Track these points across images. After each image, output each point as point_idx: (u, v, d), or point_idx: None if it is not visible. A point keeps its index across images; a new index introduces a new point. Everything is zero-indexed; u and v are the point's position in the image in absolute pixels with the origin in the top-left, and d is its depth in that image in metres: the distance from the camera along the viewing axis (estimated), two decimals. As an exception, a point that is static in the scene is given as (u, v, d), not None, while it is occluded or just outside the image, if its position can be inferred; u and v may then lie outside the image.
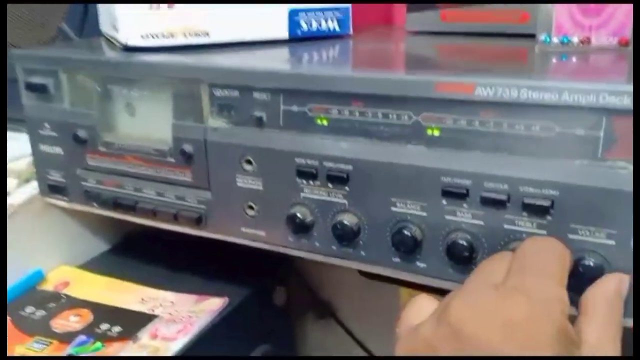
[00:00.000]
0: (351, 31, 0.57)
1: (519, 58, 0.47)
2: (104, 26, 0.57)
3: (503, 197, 0.35)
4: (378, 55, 0.52)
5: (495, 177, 0.35)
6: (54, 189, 0.55)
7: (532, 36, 0.46)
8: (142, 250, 0.67)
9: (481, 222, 0.36)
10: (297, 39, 0.54)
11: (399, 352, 0.29)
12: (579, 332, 0.29)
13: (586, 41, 0.43)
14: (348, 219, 0.41)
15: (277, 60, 0.49)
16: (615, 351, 0.29)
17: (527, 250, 0.32)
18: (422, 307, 0.32)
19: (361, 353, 0.79)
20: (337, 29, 0.56)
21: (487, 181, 0.35)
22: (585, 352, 0.28)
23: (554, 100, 0.33)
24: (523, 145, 0.35)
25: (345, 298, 0.79)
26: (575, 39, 0.43)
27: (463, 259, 0.37)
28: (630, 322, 0.33)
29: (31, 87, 0.52)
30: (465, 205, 0.37)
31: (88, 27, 0.68)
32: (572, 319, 0.30)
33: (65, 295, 0.58)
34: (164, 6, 0.49)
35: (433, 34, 0.56)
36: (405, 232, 0.39)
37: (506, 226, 0.36)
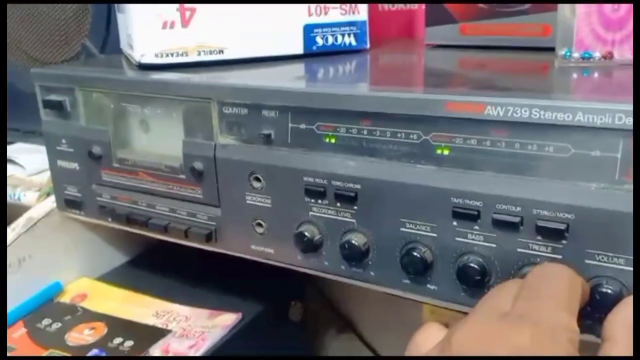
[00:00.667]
0: (368, 45, 0.56)
1: (538, 73, 0.45)
2: (123, 44, 0.58)
3: (516, 219, 0.34)
4: (393, 70, 0.51)
5: (508, 198, 0.34)
6: (70, 204, 0.55)
7: (553, 50, 0.44)
8: (159, 263, 0.67)
9: (493, 245, 0.35)
10: (313, 54, 0.54)
11: None
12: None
13: (608, 56, 0.41)
14: (356, 239, 0.40)
15: (288, 78, 0.49)
16: None
17: (536, 277, 0.30)
18: (430, 334, 0.32)
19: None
20: (354, 43, 0.55)
21: (499, 203, 0.34)
22: None
23: (568, 120, 0.31)
24: (536, 166, 0.33)
25: (367, 313, 0.78)
26: (597, 54, 0.41)
27: (475, 282, 0.36)
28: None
29: (49, 105, 0.52)
30: (476, 227, 0.35)
31: (111, 43, 0.68)
32: (588, 346, 0.28)
33: (82, 307, 0.58)
34: (178, 24, 0.49)
35: (452, 47, 0.55)
36: (415, 253, 0.37)
37: (519, 250, 0.34)
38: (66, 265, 0.63)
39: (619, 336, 0.29)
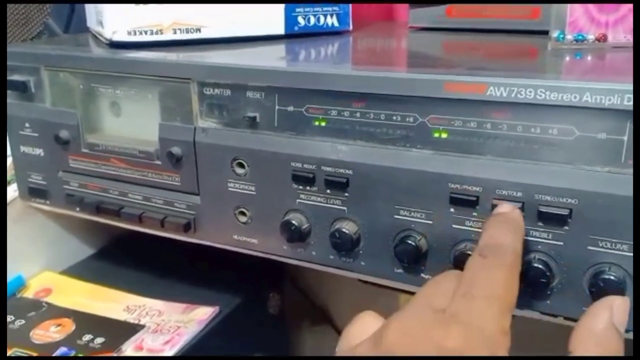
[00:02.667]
0: (351, 27, 0.54)
1: (531, 56, 0.44)
2: (90, 22, 0.54)
3: (517, 205, 0.32)
4: (380, 52, 0.49)
5: (509, 183, 0.32)
6: (34, 192, 0.52)
7: (543, 33, 0.43)
8: (128, 256, 0.64)
9: (492, 232, 0.34)
10: (294, 35, 0.51)
11: None
12: None
13: (602, 38, 0.40)
14: (347, 227, 0.38)
15: (273, 58, 0.47)
16: None
17: (473, 270, 0.28)
18: (364, 325, 0.30)
19: None
20: (336, 24, 0.53)
21: (499, 188, 0.33)
22: None
23: (574, 101, 0.30)
24: (539, 149, 0.32)
25: (342, 304, 0.77)
26: (590, 36, 0.41)
27: (472, 272, 0.34)
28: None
29: (12, 86, 0.48)
30: (474, 213, 0.34)
31: (75, 22, 0.65)
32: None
33: (47, 303, 0.55)
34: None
35: (437, 30, 0.53)
36: (409, 241, 0.36)
37: (519, 237, 0.33)
38: (29, 258, 0.59)
39: (581, 349, 0.27)
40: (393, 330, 0.27)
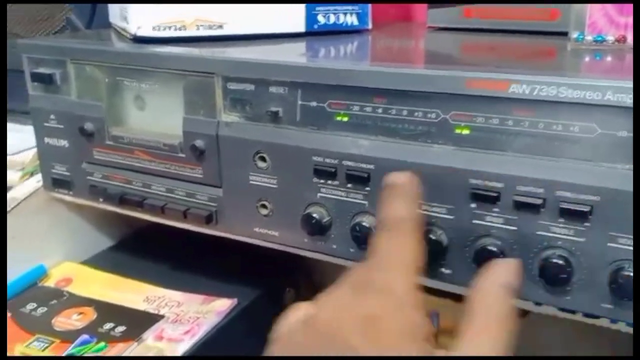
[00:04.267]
0: (370, 26, 0.54)
1: (551, 56, 0.44)
2: (113, 17, 0.55)
3: (538, 201, 0.33)
4: (400, 50, 0.50)
5: (530, 180, 0.33)
6: (58, 183, 0.53)
7: (561, 34, 0.44)
8: (148, 247, 0.65)
9: (513, 228, 0.34)
10: (314, 33, 0.52)
11: (270, 352, 0.30)
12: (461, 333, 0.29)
13: (622, 40, 0.41)
14: (368, 221, 0.39)
15: (295, 54, 0.47)
16: (494, 352, 0.28)
17: (377, 243, 0.31)
18: (298, 311, 0.32)
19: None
20: (356, 23, 0.54)
21: (520, 184, 0.33)
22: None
23: (596, 99, 0.31)
24: (561, 146, 0.32)
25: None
26: (610, 38, 0.41)
27: (492, 266, 0.35)
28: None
29: (37, 78, 0.50)
30: (496, 209, 0.34)
31: (97, 18, 0.66)
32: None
33: (68, 292, 0.56)
34: (176, -5, 0.47)
35: (456, 31, 0.54)
36: (430, 236, 0.36)
37: (540, 232, 0.34)
38: (50, 249, 0.60)
39: (474, 315, 0.29)
40: (319, 307, 0.30)
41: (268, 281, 0.59)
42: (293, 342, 0.29)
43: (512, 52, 0.46)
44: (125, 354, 0.47)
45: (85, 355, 0.47)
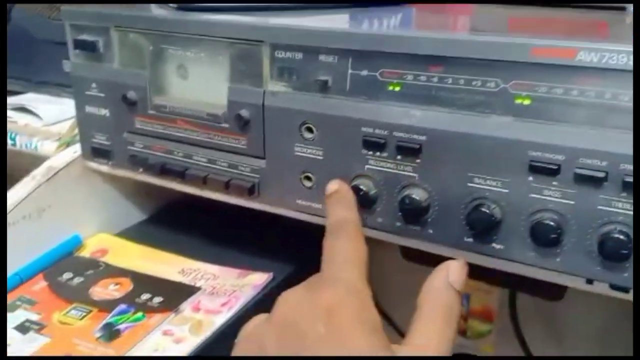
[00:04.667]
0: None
1: (609, 28, 0.43)
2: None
3: (601, 174, 0.32)
4: (449, 20, 0.49)
5: (593, 152, 0.32)
6: (97, 153, 0.52)
7: (613, 8, 0.42)
8: (182, 221, 0.65)
9: (572, 202, 0.33)
10: (357, 3, 0.51)
11: (234, 354, 0.32)
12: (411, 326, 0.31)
13: (687, 11, 0.39)
14: (417, 194, 0.38)
15: (342, 22, 0.46)
16: (440, 352, 0.30)
17: (327, 245, 0.34)
18: (259, 316, 0.34)
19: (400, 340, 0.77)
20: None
21: (583, 157, 0.32)
22: (404, 353, 0.30)
23: (671, 68, 0.29)
24: (627, 118, 0.31)
25: (386, 282, 0.77)
26: (674, 9, 0.39)
27: (549, 241, 0.34)
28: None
29: (80, 45, 0.49)
30: (555, 182, 0.33)
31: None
32: None
33: (104, 262, 0.56)
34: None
35: (504, 3, 0.52)
36: (483, 209, 0.36)
37: (600, 207, 0.33)
38: (85, 219, 0.60)
39: (425, 303, 0.32)
40: (278, 302, 0.32)
41: (302, 256, 0.59)
42: (254, 338, 0.31)
43: (567, 24, 0.44)
44: (164, 324, 0.47)
45: (123, 324, 0.47)
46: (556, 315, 0.63)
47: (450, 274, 0.33)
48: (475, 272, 0.40)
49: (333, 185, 0.39)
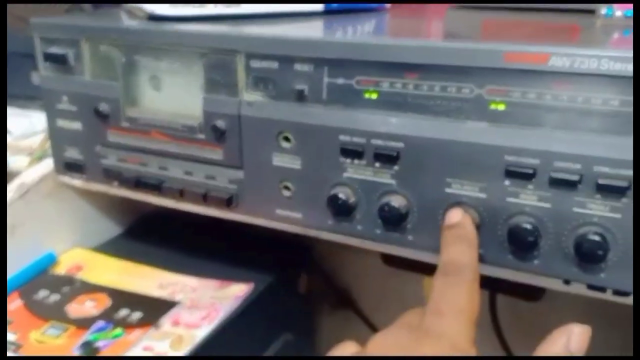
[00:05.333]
0: (388, 5, 0.53)
1: (579, 32, 0.44)
2: (125, -4, 0.54)
3: (575, 177, 0.32)
4: (424, 27, 0.49)
5: (567, 155, 0.32)
6: (70, 167, 0.51)
7: (584, 12, 0.43)
8: (159, 233, 0.64)
9: (548, 205, 0.34)
10: (332, 11, 0.51)
11: None
12: None
13: (653, 14, 0.40)
14: (396, 201, 0.38)
15: (317, 31, 0.46)
16: None
17: (438, 288, 0.31)
18: (345, 349, 0.33)
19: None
20: (374, 2, 0.53)
21: (557, 160, 0.33)
22: None
23: None
24: (600, 121, 0.32)
25: (367, 287, 0.77)
26: (640, 13, 0.40)
27: (527, 244, 0.34)
28: None
29: (50, 58, 0.48)
30: (530, 186, 0.34)
31: None
32: None
33: (80, 279, 0.55)
34: (193, -28, 0.46)
35: (477, 9, 0.53)
36: (462, 215, 0.36)
37: (576, 209, 0.33)
38: (60, 235, 0.59)
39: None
40: (373, 345, 0.30)
41: (282, 267, 0.59)
42: None
43: (538, 29, 0.45)
44: (144, 340, 0.46)
45: (102, 341, 0.47)
46: (536, 316, 0.64)
47: (572, 341, 0.29)
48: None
49: (455, 216, 0.35)
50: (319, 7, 0.50)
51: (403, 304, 0.77)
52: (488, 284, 0.63)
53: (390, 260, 0.67)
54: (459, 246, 0.33)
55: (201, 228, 0.61)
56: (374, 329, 0.77)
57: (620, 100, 0.31)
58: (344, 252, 0.68)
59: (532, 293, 0.58)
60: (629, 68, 0.30)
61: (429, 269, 0.42)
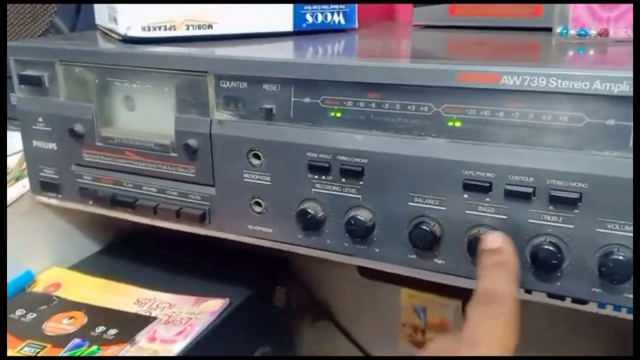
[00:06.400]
0: (357, 25, 0.55)
1: (536, 50, 0.46)
2: (100, 19, 0.55)
3: (529, 190, 0.34)
4: (389, 47, 0.51)
5: (521, 169, 0.34)
6: (46, 187, 0.52)
7: (545, 30, 0.45)
8: (135, 251, 0.65)
9: (504, 217, 0.35)
10: (302, 32, 0.53)
11: None
12: None
13: (604, 33, 0.42)
14: (362, 215, 0.39)
15: (285, 52, 0.48)
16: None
17: (475, 318, 0.31)
18: None
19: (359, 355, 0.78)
20: (343, 22, 0.54)
21: (512, 174, 0.34)
22: None
23: (585, 89, 0.32)
24: (550, 136, 0.33)
25: (344, 299, 0.78)
26: (593, 31, 0.42)
27: (485, 255, 0.36)
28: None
29: (25, 80, 0.49)
30: (487, 199, 0.35)
31: (81, 21, 0.65)
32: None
33: (57, 297, 0.56)
34: (166, -4, 0.47)
35: (441, 28, 0.55)
36: (424, 227, 0.37)
37: (531, 220, 0.35)
38: (38, 254, 0.60)
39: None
40: None
41: (258, 281, 0.60)
42: None
43: (498, 48, 0.47)
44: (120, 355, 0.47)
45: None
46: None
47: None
48: (428, 285, 0.42)
49: (495, 241, 0.34)
50: (288, 28, 0.52)
51: (380, 315, 0.78)
52: (459, 293, 0.64)
53: (366, 272, 0.68)
54: (498, 274, 0.33)
55: (179, 244, 0.61)
56: (352, 340, 0.78)
57: (569, 116, 0.33)
58: (322, 265, 0.69)
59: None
60: (575, 85, 0.32)
61: (405, 281, 0.43)
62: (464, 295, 0.65)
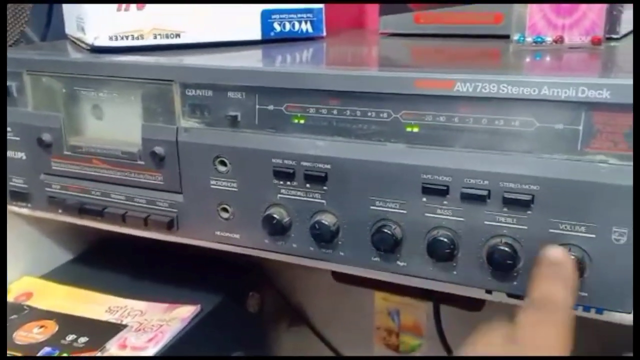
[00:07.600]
0: (324, 33, 0.56)
1: (494, 57, 0.47)
2: (70, 28, 0.56)
3: (483, 192, 0.35)
4: (354, 55, 0.52)
5: (476, 172, 0.35)
6: (15, 196, 0.52)
7: (506, 37, 0.46)
8: (107, 259, 0.65)
9: (462, 219, 0.36)
10: (270, 40, 0.53)
11: None
12: None
13: (559, 40, 0.43)
14: (326, 219, 0.40)
15: (252, 60, 0.49)
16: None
17: (528, 323, 0.31)
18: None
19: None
20: (311, 30, 0.55)
21: (467, 177, 0.35)
22: None
23: (534, 94, 0.33)
24: (503, 140, 0.35)
25: (319, 303, 0.78)
26: (548, 38, 0.44)
27: (444, 256, 0.37)
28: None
29: (-8, 89, 0.49)
30: (445, 202, 0.36)
31: (52, 31, 0.65)
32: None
33: (28, 306, 0.55)
34: (133, 6, 0.48)
35: (406, 36, 0.56)
36: (385, 230, 0.38)
37: (487, 222, 0.36)
38: (9, 263, 0.59)
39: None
40: None
41: (231, 286, 0.60)
42: None
43: (458, 55, 0.48)
44: (89, 363, 0.47)
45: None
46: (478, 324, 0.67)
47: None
48: (400, 288, 0.43)
49: (555, 253, 0.33)
50: (257, 36, 0.53)
51: (354, 319, 0.79)
52: (430, 296, 0.65)
53: (340, 276, 0.69)
54: (557, 284, 0.32)
55: (151, 252, 0.62)
56: (327, 344, 0.79)
57: (520, 121, 0.34)
58: (296, 270, 0.69)
59: (472, 304, 0.61)
60: (525, 91, 0.33)
61: (379, 285, 0.44)
62: (436, 298, 0.66)
